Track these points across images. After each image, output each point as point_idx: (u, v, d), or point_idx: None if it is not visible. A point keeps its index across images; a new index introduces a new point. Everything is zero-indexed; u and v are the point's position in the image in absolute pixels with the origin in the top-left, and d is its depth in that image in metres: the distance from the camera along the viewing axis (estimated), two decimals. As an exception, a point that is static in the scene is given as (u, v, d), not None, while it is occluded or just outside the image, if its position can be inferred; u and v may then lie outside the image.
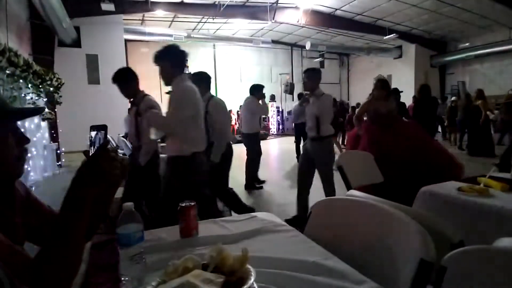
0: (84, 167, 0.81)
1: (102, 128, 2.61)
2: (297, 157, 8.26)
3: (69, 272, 0.76)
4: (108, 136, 6.55)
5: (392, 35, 13.72)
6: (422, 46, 15.68)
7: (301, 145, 8.21)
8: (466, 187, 1.68)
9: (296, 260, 0.93)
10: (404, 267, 0.86)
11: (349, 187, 2.19)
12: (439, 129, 10.39)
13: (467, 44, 14.71)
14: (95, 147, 2.15)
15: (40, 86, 5.84)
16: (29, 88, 5.29)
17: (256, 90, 5.65)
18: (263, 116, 10.74)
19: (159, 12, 11.39)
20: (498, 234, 1.14)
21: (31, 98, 5.29)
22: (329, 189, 3.38)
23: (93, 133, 2.34)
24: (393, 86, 16.96)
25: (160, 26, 13.26)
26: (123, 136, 7.38)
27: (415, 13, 12.56)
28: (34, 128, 5.57)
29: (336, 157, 3.11)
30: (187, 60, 2.48)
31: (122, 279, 0.84)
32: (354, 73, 20.27)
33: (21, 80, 5.04)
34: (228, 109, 15.65)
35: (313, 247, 1.04)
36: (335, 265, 0.90)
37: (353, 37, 15.97)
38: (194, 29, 14.40)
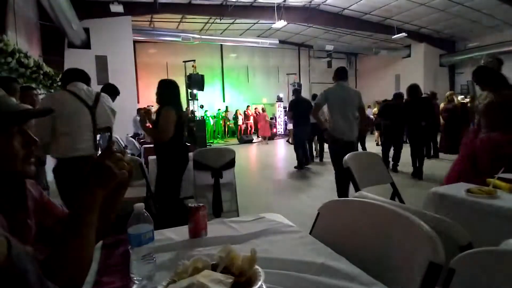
0: (91, 169, 0.84)
1: (106, 130, 2.66)
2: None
3: (80, 270, 0.78)
4: (116, 136, 6.62)
5: (400, 34, 13.61)
6: (431, 45, 15.53)
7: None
8: (475, 189, 1.67)
9: (304, 261, 0.93)
10: (412, 269, 0.86)
11: (357, 189, 2.19)
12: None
13: (476, 43, 14.54)
14: (101, 149, 2.18)
15: (51, 87, 5.93)
16: (39, 89, 5.37)
17: None
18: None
19: (167, 14, 11.47)
20: (506, 236, 1.14)
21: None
22: None
23: (99, 136, 2.38)
24: (401, 86, 16.84)
25: (168, 27, 13.35)
26: (131, 136, 7.47)
27: (423, 12, 12.46)
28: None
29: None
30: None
31: (133, 278, 0.86)
32: (362, 72, 20.17)
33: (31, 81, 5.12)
34: (235, 109, 15.65)
35: (321, 248, 1.05)
36: (343, 267, 0.90)
37: (361, 37, 15.89)
38: (201, 29, 14.47)
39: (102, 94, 2.68)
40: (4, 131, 0.75)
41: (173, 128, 2.81)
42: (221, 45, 16.27)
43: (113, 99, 4.00)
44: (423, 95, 6.63)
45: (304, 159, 7.07)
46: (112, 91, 3.99)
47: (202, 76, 10.87)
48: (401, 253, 0.95)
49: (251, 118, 15.95)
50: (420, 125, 5.64)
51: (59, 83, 6.22)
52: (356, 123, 3.95)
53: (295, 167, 7.02)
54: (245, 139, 14.08)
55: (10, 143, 0.77)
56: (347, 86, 4.05)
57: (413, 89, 5.74)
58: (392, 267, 0.94)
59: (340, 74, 3.99)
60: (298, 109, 6.85)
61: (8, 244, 0.52)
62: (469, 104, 9.33)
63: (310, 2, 12.20)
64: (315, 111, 4.11)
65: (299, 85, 14.75)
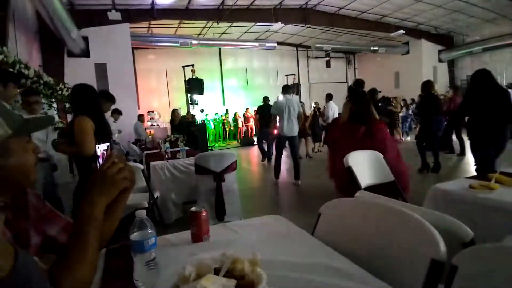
0: (94, 179, 0.85)
1: (106, 140, 2.66)
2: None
3: (85, 278, 0.79)
4: (122, 144, 6.64)
5: (398, 31, 13.59)
6: (430, 41, 15.51)
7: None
8: (477, 184, 1.67)
9: (306, 262, 0.94)
10: (415, 268, 0.86)
11: (358, 188, 2.19)
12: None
13: (476, 37, 14.53)
14: (103, 159, 2.18)
15: (51, 96, 5.96)
16: (40, 99, 5.39)
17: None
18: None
19: (165, 19, 11.50)
20: (509, 231, 1.13)
21: (43, 108, 5.39)
22: None
23: (97, 147, 2.35)
24: (400, 83, 16.76)
25: (166, 33, 13.39)
26: (133, 143, 7.49)
27: (421, 8, 12.46)
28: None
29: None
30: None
31: (136, 284, 0.86)
32: (361, 71, 20.12)
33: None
34: (234, 111, 15.80)
35: (323, 249, 1.05)
36: (345, 267, 0.90)
37: (359, 35, 15.87)
38: (199, 34, 14.50)
39: None
40: (22, 143, 0.77)
41: (93, 139, 2.41)
42: (220, 48, 16.28)
43: (108, 106, 3.95)
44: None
45: (267, 153, 8.41)
46: (107, 97, 3.94)
47: (202, 80, 10.88)
48: (403, 251, 0.95)
49: (251, 120, 15.92)
50: (430, 120, 5.72)
51: (59, 92, 6.25)
52: (296, 124, 5.56)
53: (262, 161, 8.46)
54: (246, 142, 14.08)
55: (29, 154, 0.79)
56: (291, 97, 5.72)
57: (425, 85, 5.84)
58: (395, 265, 0.94)
59: (285, 90, 5.76)
60: (264, 113, 8.08)
61: (15, 252, 0.53)
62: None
63: (306, 3, 12.21)
64: (274, 119, 5.90)
65: (298, 85, 14.78)
